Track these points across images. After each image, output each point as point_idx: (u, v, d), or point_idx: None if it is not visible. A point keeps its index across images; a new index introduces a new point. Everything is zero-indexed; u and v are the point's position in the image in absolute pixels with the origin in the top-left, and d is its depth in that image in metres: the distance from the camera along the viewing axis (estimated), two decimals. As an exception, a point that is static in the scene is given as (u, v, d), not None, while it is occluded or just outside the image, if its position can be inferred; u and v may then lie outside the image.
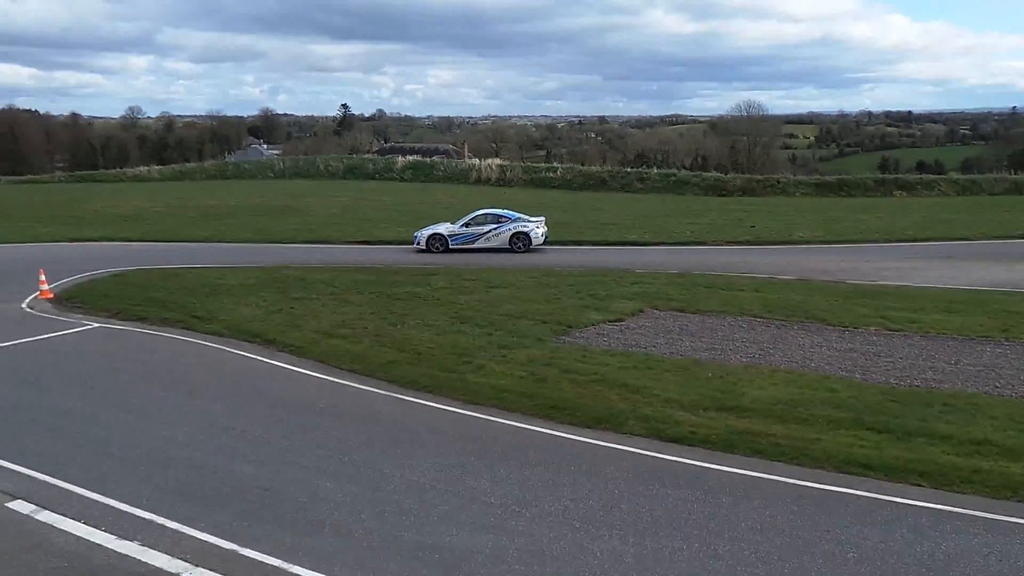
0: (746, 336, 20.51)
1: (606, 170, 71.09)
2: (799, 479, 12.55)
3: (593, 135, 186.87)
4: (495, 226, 35.64)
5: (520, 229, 35.47)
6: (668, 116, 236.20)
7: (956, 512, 11.42)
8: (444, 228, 35.94)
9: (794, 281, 26.90)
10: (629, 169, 71.97)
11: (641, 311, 23.29)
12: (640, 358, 18.73)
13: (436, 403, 16.43)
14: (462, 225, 35.83)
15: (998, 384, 16.52)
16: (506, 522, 11.58)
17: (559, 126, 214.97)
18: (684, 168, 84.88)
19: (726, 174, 68.72)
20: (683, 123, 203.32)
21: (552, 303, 24.26)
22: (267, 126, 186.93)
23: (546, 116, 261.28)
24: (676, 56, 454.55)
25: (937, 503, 11.69)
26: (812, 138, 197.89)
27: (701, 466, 13.17)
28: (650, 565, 10.35)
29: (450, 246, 35.13)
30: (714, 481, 12.63)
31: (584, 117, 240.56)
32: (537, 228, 35.83)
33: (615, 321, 22.26)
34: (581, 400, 16.09)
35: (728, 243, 35.91)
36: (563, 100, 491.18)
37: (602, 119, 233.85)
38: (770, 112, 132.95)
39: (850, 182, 61.51)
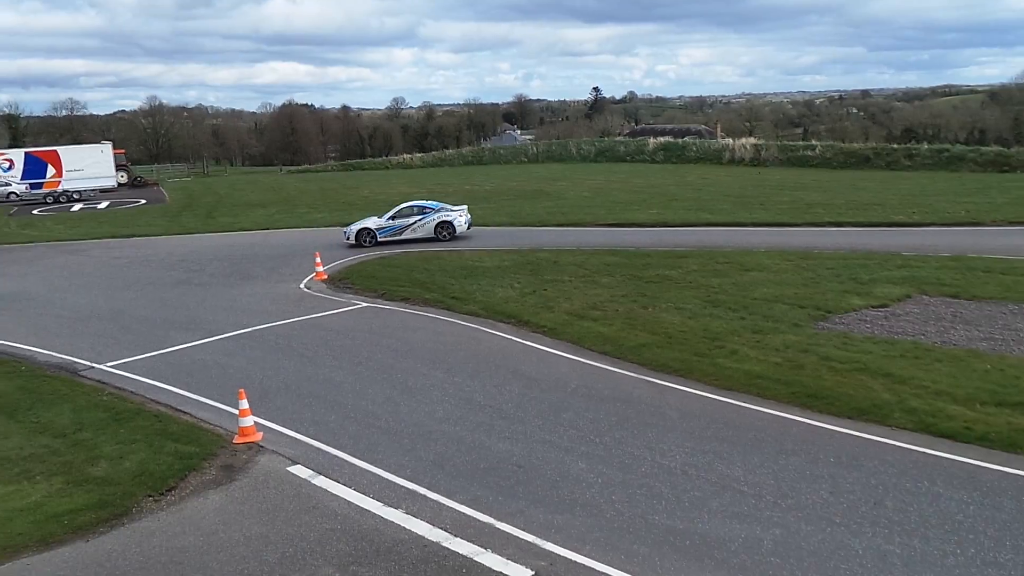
0: (1030, 325, 18.75)
1: (869, 147, 67.12)
2: (1096, 486, 11.35)
3: (855, 110, 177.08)
4: (419, 217, 35.71)
5: (444, 218, 35.80)
6: (940, 87, 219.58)
7: None
8: (372, 222, 35.97)
9: (1089, 265, 24.25)
10: (895, 146, 67.58)
11: (908, 296, 21.86)
12: (907, 346, 17.59)
13: (688, 387, 16.23)
14: (388, 218, 35.85)
15: None
16: (761, 512, 11.27)
17: (817, 102, 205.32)
18: (959, 143, 78.64)
19: (1009, 148, 62.95)
20: (957, 94, 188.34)
21: (810, 287, 23.27)
22: (521, 112, 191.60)
23: (803, 92, 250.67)
24: (950, 21, 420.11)
25: None
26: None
27: (978, 465, 12.19)
28: (918, 568, 9.71)
29: (378, 239, 35.13)
30: (993, 482, 11.66)
31: (845, 91, 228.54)
32: (460, 217, 36.19)
33: (879, 307, 21.04)
34: (841, 389, 15.34)
35: (1011, 223, 32.88)
36: (822, 74, 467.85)
37: (865, 93, 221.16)
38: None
39: None
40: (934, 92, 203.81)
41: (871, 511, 11.08)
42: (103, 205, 57.83)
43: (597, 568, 10.13)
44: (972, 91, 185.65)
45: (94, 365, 19.58)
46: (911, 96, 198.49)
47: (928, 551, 10.03)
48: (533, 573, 10.11)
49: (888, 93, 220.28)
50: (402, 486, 12.70)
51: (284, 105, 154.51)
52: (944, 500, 11.21)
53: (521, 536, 11.01)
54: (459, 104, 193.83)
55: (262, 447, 14.34)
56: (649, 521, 11.22)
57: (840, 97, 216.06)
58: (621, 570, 10.04)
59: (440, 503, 12.09)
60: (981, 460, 12.32)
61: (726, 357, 17.66)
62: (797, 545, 10.35)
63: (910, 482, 11.81)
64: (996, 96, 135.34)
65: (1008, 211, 35.20)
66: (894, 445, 13.10)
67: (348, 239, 35.54)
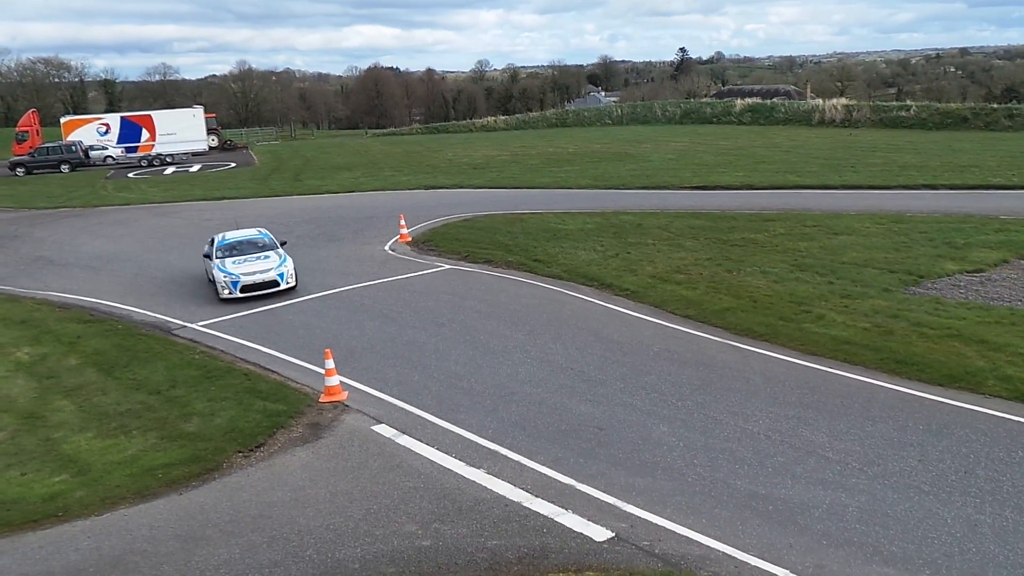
0: None
1: (967, 107, 64.66)
2: None
3: (952, 69, 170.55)
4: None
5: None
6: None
7: None
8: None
9: None
10: (995, 105, 65.01)
11: (1006, 261, 21.13)
12: (1003, 313, 17.04)
13: (772, 352, 16.02)
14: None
15: None
16: (846, 479, 11.12)
17: (913, 61, 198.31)
18: (1063, 102, 75.22)
19: (1118, 106, 60.05)
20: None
21: (902, 251, 22.66)
22: (605, 73, 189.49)
23: (898, 51, 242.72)
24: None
25: None
26: None
27: (1076, 435, 11.81)
28: (1009, 537, 9.48)
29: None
30: (1091, 452, 11.29)
31: (942, 50, 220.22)
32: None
33: (974, 272, 20.39)
34: (932, 356, 14.97)
35: (1118, 186, 31.45)
36: (918, 32, 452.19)
37: (963, 51, 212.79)
38: None
39: None
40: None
41: (961, 480, 10.83)
42: (195, 168, 59.14)
43: (678, 531, 10.15)
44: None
45: (187, 324, 20.20)
46: (1013, 54, 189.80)
47: (1021, 521, 9.78)
48: (613, 535, 10.18)
49: (989, 51, 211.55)
50: (484, 446, 12.86)
51: (370, 68, 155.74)
52: (1039, 470, 10.90)
53: (601, 498, 11.08)
54: (543, 66, 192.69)
55: (347, 406, 14.66)
56: (731, 486, 11.17)
57: (937, 56, 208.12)
58: (702, 534, 10.05)
59: (521, 464, 12.22)
60: (1079, 430, 11.93)
61: (813, 322, 17.36)
62: (883, 513, 10.19)
63: (1003, 451, 11.50)
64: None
65: (1116, 173, 33.61)
66: (987, 413, 12.76)
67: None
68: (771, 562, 9.39)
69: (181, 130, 68.48)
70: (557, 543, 10.13)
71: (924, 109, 64.57)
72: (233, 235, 24.22)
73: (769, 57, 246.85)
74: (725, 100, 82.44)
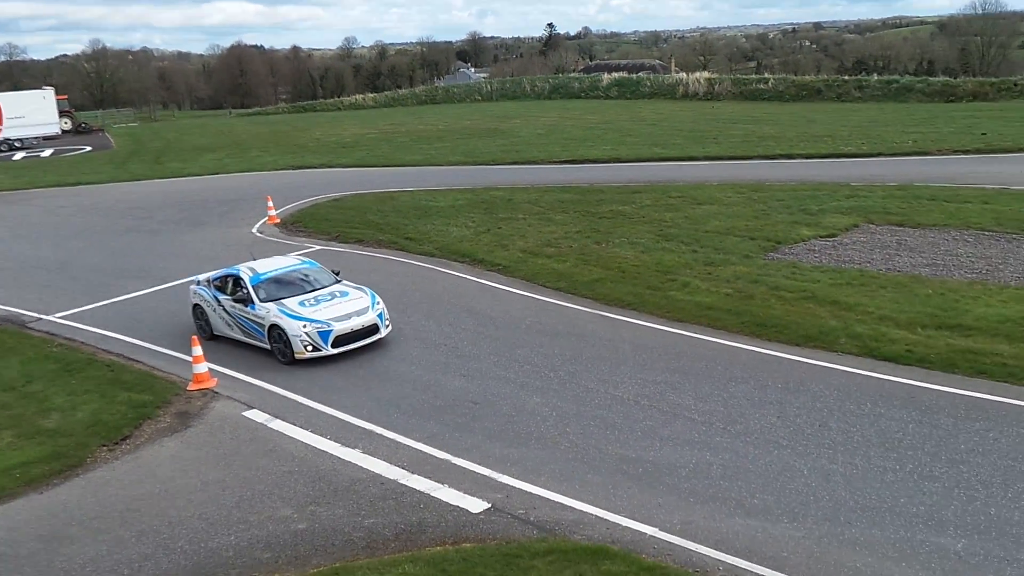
0: (972, 251, 19.18)
1: (821, 79, 67.32)
2: (1028, 401, 11.79)
3: (807, 43, 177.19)
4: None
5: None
6: (891, 19, 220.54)
7: None
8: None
9: (1030, 191, 24.74)
10: (846, 77, 67.79)
11: (856, 226, 22.22)
12: (853, 275, 17.95)
13: (640, 320, 16.47)
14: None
15: None
16: (710, 438, 11.57)
17: (771, 36, 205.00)
18: (908, 74, 79.10)
19: (955, 79, 63.50)
20: (907, 26, 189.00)
21: (761, 219, 23.55)
22: (474, 50, 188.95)
23: (757, 25, 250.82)
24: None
25: None
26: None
27: (918, 386, 12.59)
28: (859, 485, 10.08)
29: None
30: (931, 401, 12.06)
31: (798, 24, 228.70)
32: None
33: (827, 237, 21.37)
34: (790, 318, 15.66)
35: (955, 152, 33.32)
36: (776, 7, 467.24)
37: (817, 26, 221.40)
38: (1008, 8, 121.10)
39: (1101, 81, 55.31)
40: (885, 24, 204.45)
41: (816, 433, 11.42)
42: (47, 153, 56.49)
43: (552, 498, 10.39)
44: (922, 22, 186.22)
45: (42, 316, 19.36)
46: (863, 28, 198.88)
47: (869, 468, 10.40)
48: (489, 506, 10.34)
49: (840, 25, 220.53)
50: (359, 426, 12.84)
51: (233, 46, 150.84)
52: (885, 420, 11.58)
53: (478, 470, 11.23)
54: (412, 43, 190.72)
55: (217, 393, 14.39)
56: (603, 451, 11.48)
57: (793, 30, 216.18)
58: (576, 499, 10.31)
59: (397, 441, 12.25)
60: (920, 381, 12.73)
61: (678, 290, 17.90)
62: (745, 468, 10.67)
63: (853, 404, 12.17)
64: (945, 27, 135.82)
65: (953, 140, 35.65)
66: (839, 369, 13.46)
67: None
68: (642, 522, 9.72)
69: (30, 113, 64.86)
70: (434, 518, 10.22)
71: (781, 82, 66.89)
72: (271, 267, 17.39)
73: (635, 32, 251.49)
74: (592, 75, 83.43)
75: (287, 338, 15.38)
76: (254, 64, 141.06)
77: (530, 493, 10.53)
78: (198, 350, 14.76)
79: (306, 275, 17.18)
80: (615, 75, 79.25)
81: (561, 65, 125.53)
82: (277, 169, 42.09)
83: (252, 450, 12.36)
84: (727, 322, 15.84)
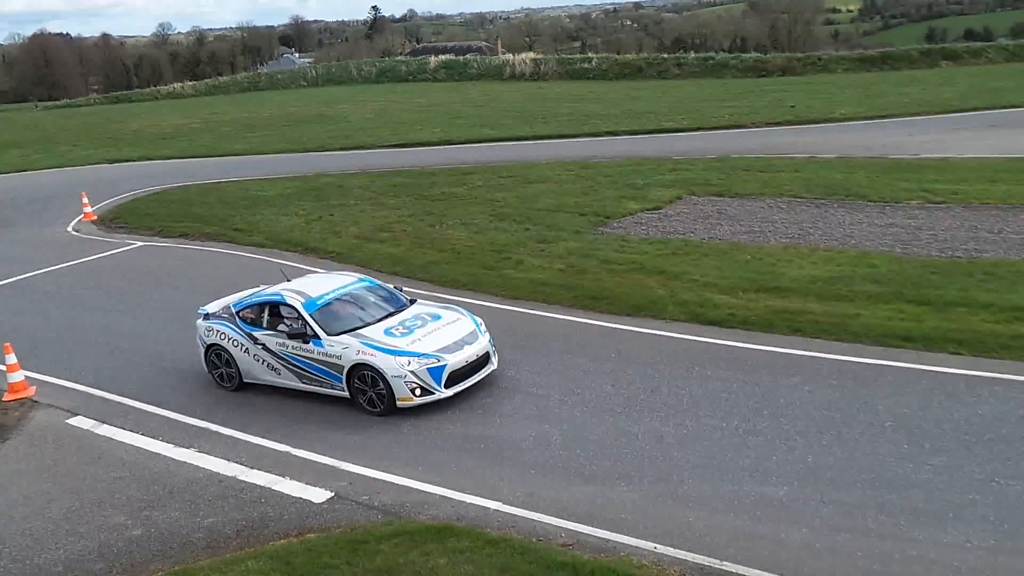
0: (785, 217, 20.29)
1: (642, 58, 69.27)
2: (838, 354, 12.60)
3: (628, 22, 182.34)
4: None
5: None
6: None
7: (994, 377, 11.45)
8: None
9: (834, 159, 26.32)
10: (666, 55, 70.17)
11: (679, 198, 23.09)
12: (678, 244, 18.67)
13: (476, 299, 16.56)
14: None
15: (1044, 250, 16.25)
16: (549, 411, 11.83)
17: (593, 15, 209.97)
18: (723, 51, 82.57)
19: (766, 54, 66.78)
20: (722, 5, 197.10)
21: (590, 195, 24.12)
22: (298, 34, 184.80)
23: (580, 5, 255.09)
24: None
25: (975, 370, 11.73)
26: (856, 11, 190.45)
27: (740, 347, 13.25)
28: (689, 444, 10.55)
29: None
30: (753, 360, 12.72)
31: (619, 4, 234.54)
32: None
33: (653, 209, 22.11)
34: (620, 289, 16.14)
35: (767, 124, 35.07)
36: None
37: (637, 5, 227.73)
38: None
39: (894, 55, 59.19)
40: (700, 3, 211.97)
41: (648, 398, 11.86)
42: None
43: (396, 481, 10.40)
44: (735, 1, 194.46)
45: None
46: (680, 7, 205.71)
47: (699, 428, 10.90)
48: (332, 494, 10.26)
49: (659, 5, 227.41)
50: (193, 425, 12.47)
51: (35, 35, 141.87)
52: (712, 381, 12.15)
53: (320, 460, 11.11)
54: (232, 28, 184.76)
55: (36, 402, 13.66)
56: (444, 431, 11.56)
57: (615, 10, 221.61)
58: (420, 480, 10.36)
59: (235, 438, 11.98)
60: (743, 342, 13.40)
61: (512, 268, 18.15)
62: (583, 437, 10.97)
63: (682, 368, 12.69)
64: (756, 5, 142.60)
65: (766, 113, 37.50)
66: (668, 336, 13.99)
67: None
68: (486, 497, 9.85)
69: None
70: (276, 511, 10.06)
71: (605, 61, 68.49)
72: (324, 287, 13.71)
73: (460, 14, 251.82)
74: (420, 58, 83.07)
75: (386, 381, 12.06)
76: (61, 54, 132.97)
77: (374, 478, 10.50)
78: (12, 358, 13.93)
79: (375, 294, 13.92)
80: (442, 58, 79.21)
81: (388, 48, 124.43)
82: (92, 163, 40.07)
83: (78, 459, 11.79)
84: (561, 297, 16.17)
